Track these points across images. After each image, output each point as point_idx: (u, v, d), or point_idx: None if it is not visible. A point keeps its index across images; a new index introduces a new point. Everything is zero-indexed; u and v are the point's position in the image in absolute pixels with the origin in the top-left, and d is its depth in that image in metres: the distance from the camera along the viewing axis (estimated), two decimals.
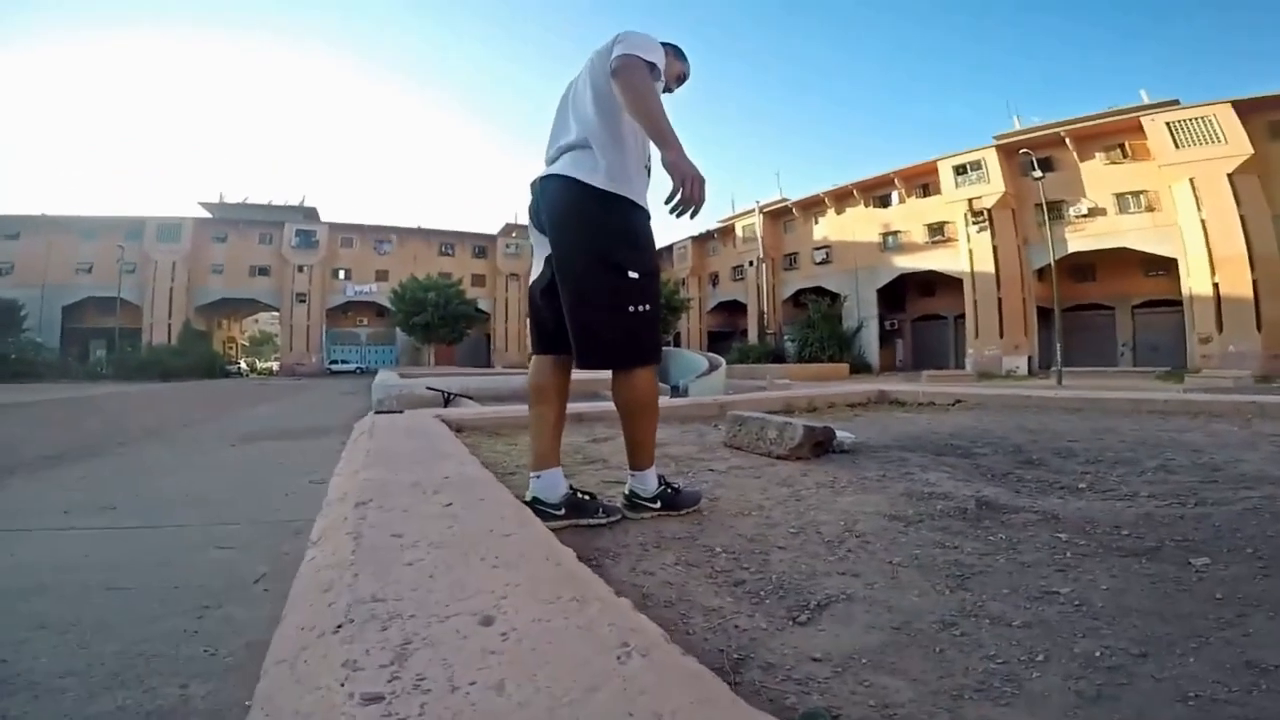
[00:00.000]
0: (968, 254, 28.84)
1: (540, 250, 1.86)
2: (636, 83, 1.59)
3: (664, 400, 6.56)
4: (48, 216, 38.95)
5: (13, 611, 2.26)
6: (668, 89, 1.94)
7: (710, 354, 16.79)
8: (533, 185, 1.88)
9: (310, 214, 45.99)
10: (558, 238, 1.75)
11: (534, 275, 1.91)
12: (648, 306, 1.72)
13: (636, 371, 1.77)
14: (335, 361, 42.72)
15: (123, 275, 36.34)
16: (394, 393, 7.52)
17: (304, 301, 42.42)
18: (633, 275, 1.69)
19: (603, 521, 1.78)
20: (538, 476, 1.80)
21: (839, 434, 2.96)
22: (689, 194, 1.53)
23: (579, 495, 1.82)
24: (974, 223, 28.47)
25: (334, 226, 44.22)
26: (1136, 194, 25.41)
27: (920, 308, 34.70)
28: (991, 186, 28.24)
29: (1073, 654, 0.99)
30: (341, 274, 44.34)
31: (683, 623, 1.11)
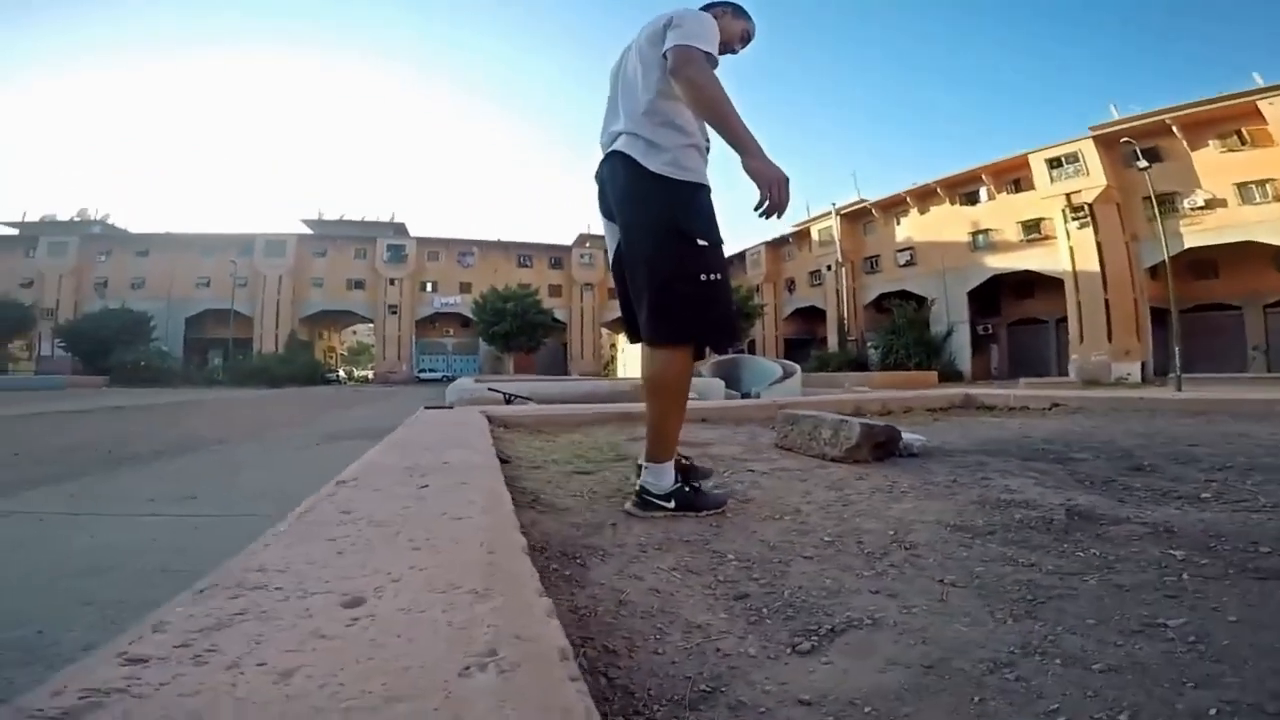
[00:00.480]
0: (1068, 252, 26.66)
1: (612, 238, 1.82)
2: (701, 83, 1.53)
3: (720, 401, 6.30)
4: (171, 234, 42.97)
5: (71, 589, 2.33)
6: (731, 50, 1.86)
7: (785, 361, 16.32)
8: (597, 176, 1.84)
9: (400, 229, 48.41)
10: (625, 216, 1.72)
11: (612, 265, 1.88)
12: (718, 276, 1.65)
13: (675, 351, 1.65)
14: (424, 370, 44.61)
15: (236, 289, 39.47)
16: (465, 395, 7.67)
17: (395, 313, 44.58)
18: (701, 243, 1.63)
19: (704, 514, 1.67)
20: (648, 468, 1.75)
21: (906, 436, 2.63)
22: (776, 199, 1.49)
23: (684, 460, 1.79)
24: (1074, 218, 26.32)
25: (421, 241, 46.32)
26: (1261, 183, 22.72)
27: (1017, 311, 32.39)
28: (1091, 180, 26.04)
29: (1175, 710, 0.72)
30: (429, 286, 46.32)
31: (655, 639, 0.90)
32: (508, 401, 5.89)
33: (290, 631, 0.61)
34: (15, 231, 41.95)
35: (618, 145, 1.71)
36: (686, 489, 1.67)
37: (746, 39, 1.90)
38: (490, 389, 5.94)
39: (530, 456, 2.49)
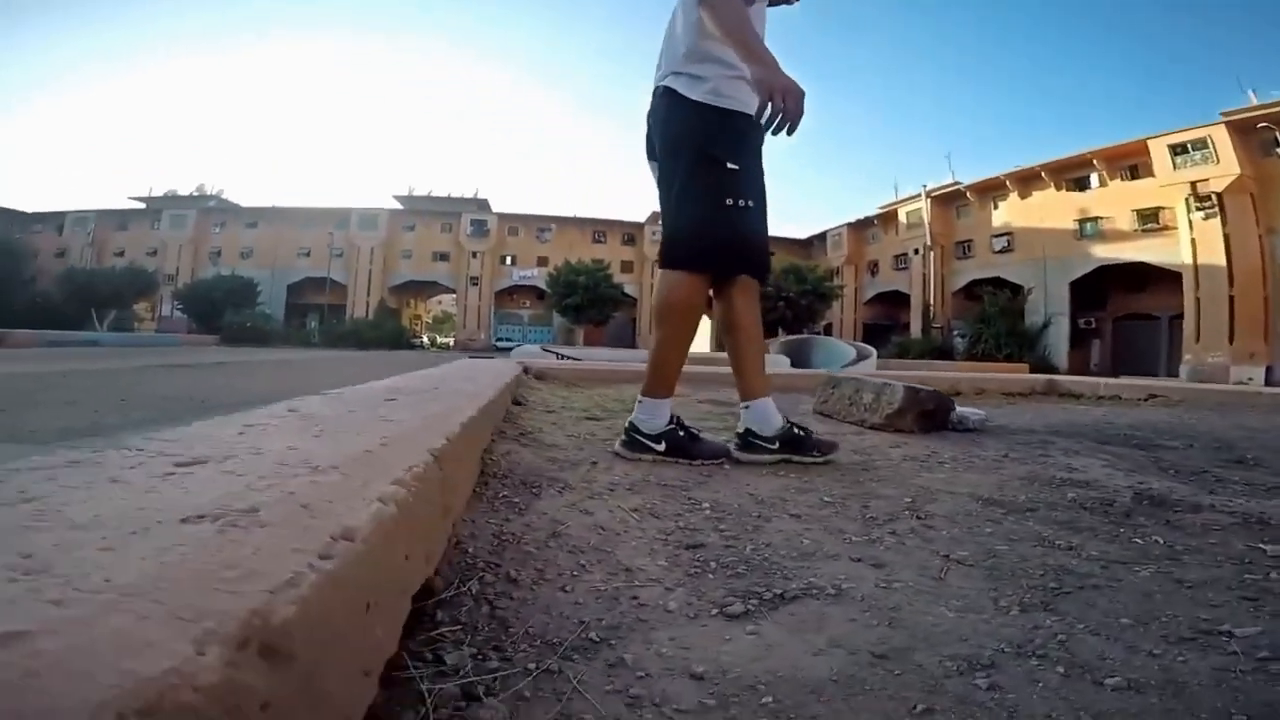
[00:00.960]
0: (1189, 244, 24.24)
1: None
2: (723, 10, 1.52)
3: (771, 369, 6.05)
4: (276, 208, 45.88)
5: None
6: (787, 0, 1.83)
7: (860, 344, 15.68)
8: (647, 119, 1.81)
9: (483, 205, 49.67)
10: (663, 146, 1.69)
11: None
12: (748, 202, 1.58)
13: (686, 275, 1.58)
14: (501, 339, 45.81)
15: (332, 259, 41.82)
16: (525, 356, 7.86)
17: (476, 284, 45.99)
18: (731, 166, 1.58)
19: (817, 460, 1.57)
20: (746, 407, 1.66)
21: (962, 410, 2.37)
22: (780, 105, 1.40)
23: (795, 430, 1.63)
24: (1199, 208, 23.86)
25: (502, 217, 47.39)
26: None
27: (1124, 305, 29.71)
28: (1221, 168, 23.46)
29: None
30: (508, 260, 47.44)
31: (571, 575, 0.77)
32: (560, 358, 5.93)
33: (92, 475, 0.57)
34: (143, 206, 46.00)
35: (665, 82, 1.67)
36: (680, 432, 1.55)
37: None
38: (544, 349, 5.98)
39: (549, 402, 2.41)
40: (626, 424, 1.59)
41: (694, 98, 1.60)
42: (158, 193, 47.19)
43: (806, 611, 0.74)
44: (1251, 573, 0.94)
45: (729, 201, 1.56)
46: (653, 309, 1.65)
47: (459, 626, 0.63)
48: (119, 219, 45.15)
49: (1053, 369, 27.46)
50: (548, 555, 0.83)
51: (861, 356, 12.90)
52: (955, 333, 33.48)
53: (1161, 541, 1.08)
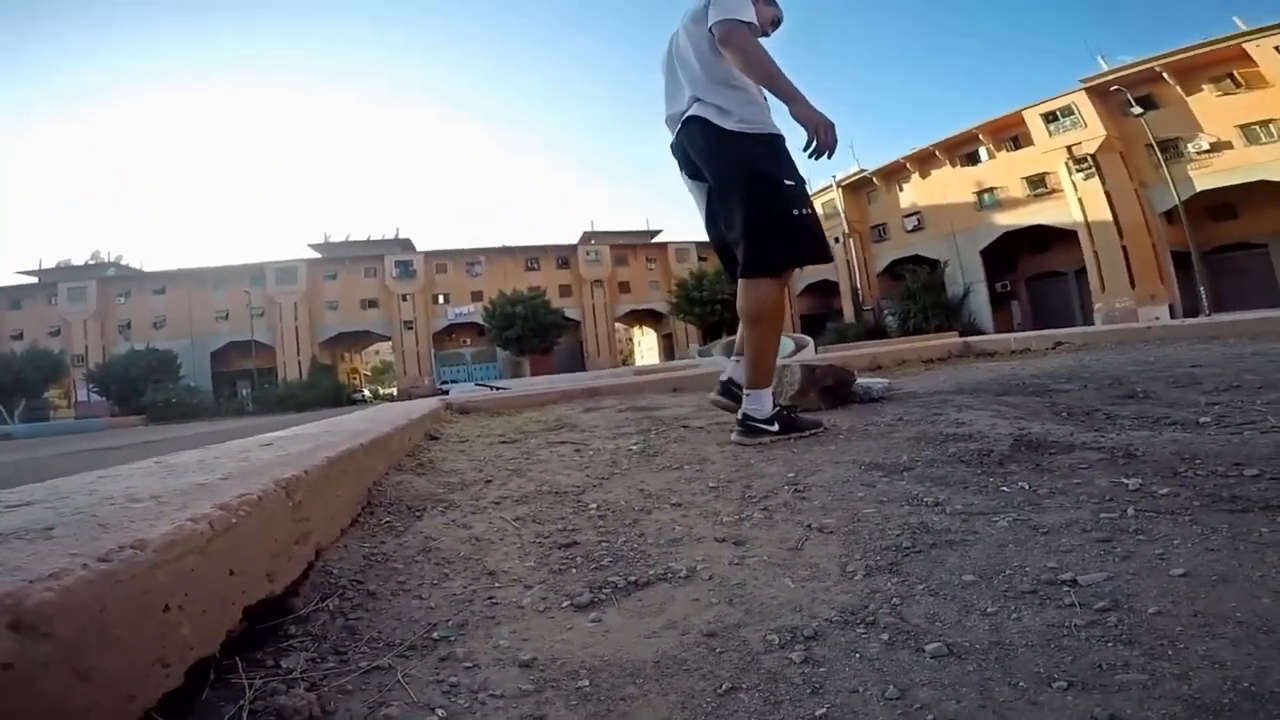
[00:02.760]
0: (1077, 204, 26.11)
1: (700, 195, 2.05)
2: (747, 49, 1.75)
3: (697, 370, 6.16)
4: (183, 270, 43.54)
5: None
6: (764, 34, 2.01)
7: (797, 335, 16.08)
8: (673, 147, 2.05)
9: (406, 245, 48.61)
10: (713, 172, 1.91)
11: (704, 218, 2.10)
12: (809, 210, 1.84)
13: (772, 280, 1.85)
14: (445, 381, 44.70)
15: (253, 319, 40.06)
16: (461, 394, 7.78)
17: (411, 328, 44.81)
18: (789, 183, 1.82)
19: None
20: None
21: (864, 380, 2.47)
22: (823, 140, 1.72)
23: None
24: (1078, 170, 25.79)
25: (429, 255, 46.48)
26: (1265, 123, 22.00)
27: (1034, 266, 31.59)
28: (1089, 131, 25.50)
29: None
30: (441, 299, 46.46)
31: (431, 585, 0.80)
32: (494, 390, 5.89)
33: None
34: (34, 280, 42.92)
35: (692, 111, 1.89)
36: (784, 412, 1.81)
37: (776, 24, 2.10)
38: (478, 383, 5.93)
39: (464, 433, 2.39)
40: (739, 416, 1.80)
41: (731, 128, 1.82)
42: (49, 264, 44.12)
43: (653, 596, 0.76)
44: (1109, 511, 0.94)
45: (795, 212, 1.80)
46: (743, 314, 1.87)
47: (309, 637, 0.65)
48: (10, 297, 41.79)
49: (980, 332, 28.86)
50: (413, 569, 0.85)
51: (800, 346, 13.19)
52: (886, 312, 34.79)
53: (1027, 487, 1.09)
